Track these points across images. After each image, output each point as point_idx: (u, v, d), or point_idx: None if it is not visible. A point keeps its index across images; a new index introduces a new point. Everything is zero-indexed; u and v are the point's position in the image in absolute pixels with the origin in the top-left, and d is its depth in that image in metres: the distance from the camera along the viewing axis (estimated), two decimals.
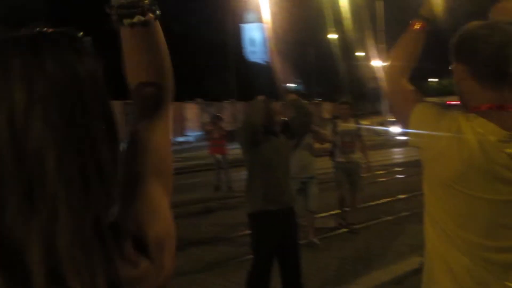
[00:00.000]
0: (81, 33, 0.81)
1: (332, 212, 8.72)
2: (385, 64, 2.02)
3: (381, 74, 2.02)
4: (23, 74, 0.71)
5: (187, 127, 35.79)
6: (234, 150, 22.18)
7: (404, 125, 1.81)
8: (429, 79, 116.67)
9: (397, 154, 22.14)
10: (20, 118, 0.69)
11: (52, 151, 0.70)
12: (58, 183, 0.70)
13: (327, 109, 65.49)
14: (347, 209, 8.05)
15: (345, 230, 7.95)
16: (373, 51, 38.66)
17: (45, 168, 0.70)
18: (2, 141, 0.69)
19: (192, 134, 35.56)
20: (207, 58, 49.08)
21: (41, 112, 0.70)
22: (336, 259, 6.62)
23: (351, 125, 7.96)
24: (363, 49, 56.81)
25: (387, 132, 30.12)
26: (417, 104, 1.78)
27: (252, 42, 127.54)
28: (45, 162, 0.70)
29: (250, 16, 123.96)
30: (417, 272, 5.53)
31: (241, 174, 15.37)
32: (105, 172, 0.75)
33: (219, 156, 12.92)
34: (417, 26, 1.91)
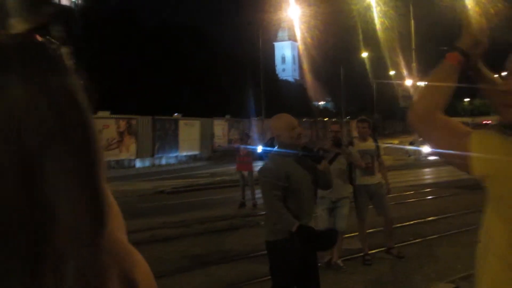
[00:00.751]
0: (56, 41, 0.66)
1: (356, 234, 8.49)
2: (415, 98, 1.89)
3: (410, 103, 1.92)
4: None
5: (215, 143, 35.89)
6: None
7: (456, 157, 1.71)
8: (464, 99, 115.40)
9: (427, 175, 21.67)
10: None
11: None
12: None
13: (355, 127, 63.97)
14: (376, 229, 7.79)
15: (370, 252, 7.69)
16: (404, 70, 38.25)
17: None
18: None
19: (220, 150, 35.65)
20: (237, 75, 49.35)
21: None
22: (359, 283, 6.40)
23: (369, 144, 7.51)
24: (394, 68, 56.38)
25: (417, 152, 29.58)
26: (472, 133, 1.70)
27: (283, 59, 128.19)
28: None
29: (282, 34, 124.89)
30: None
31: None
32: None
33: (245, 172, 12.88)
34: (453, 60, 1.76)
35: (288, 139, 4.05)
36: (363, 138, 7.55)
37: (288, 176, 3.88)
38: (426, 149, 26.90)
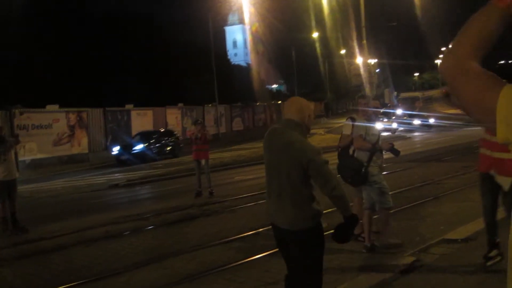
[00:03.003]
0: None
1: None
2: (451, 44, 1.55)
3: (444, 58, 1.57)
4: None
5: None
6: (215, 154, 21.85)
7: (487, 115, 1.40)
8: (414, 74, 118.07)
9: None
10: None
11: None
12: None
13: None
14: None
15: None
16: (355, 48, 38.56)
17: None
18: None
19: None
20: (188, 62, 48.72)
21: None
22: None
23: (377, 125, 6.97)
24: (345, 46, 56.89)
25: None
26: (504, 88, 1.38)
27: (234, 44, 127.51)
28: None
29: (233, 18, 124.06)
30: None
31: (221, 179, 15.18)
32: None
33: (202, 161, 12.68)
34: (501, 2, 1.44)
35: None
36: (368, 118, 6.88)
37: None
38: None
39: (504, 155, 5.04)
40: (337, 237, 3.74)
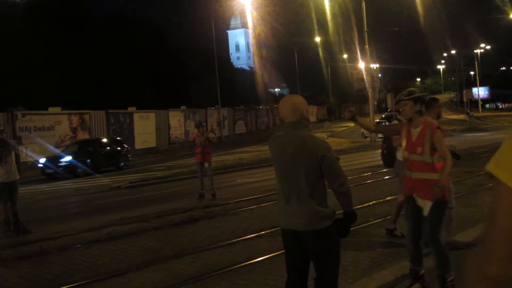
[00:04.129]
0: None
1: None
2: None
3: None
4: None
5: (172, 135, 35.45)
6: (218, 156, 21.87)
7: None
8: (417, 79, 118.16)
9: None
10: None
11: None
12: None
13: (312, 112, 65.35)
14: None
15: None
16: (357, 52, 38.60)
17: None
18: None
19: (177, 142, 35.26)
20: (192, 65, 48.82)
21: None
22: None
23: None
24: (348, 51, 56.91)
25: (373, 134, 30.03)
26: None
27: (237, 47, 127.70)
28: None
29: (235, 22, 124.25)
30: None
31: (223, 181, 15.19)
32: None
33: (206, 163, 12.70)
34: None
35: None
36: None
37: None
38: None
39: (424, 175, 4.71)
40: (337, 231, 3.79)
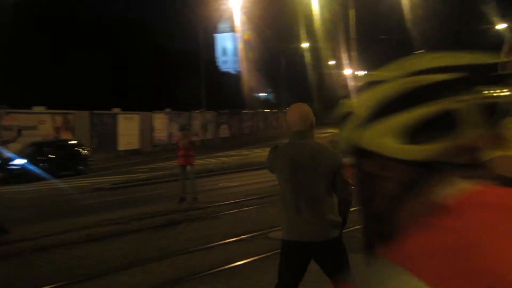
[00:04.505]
0: None
1: None
2: None
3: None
4: None
5: (155, 137, 35.31)
6: (201, 160, 21.85)
7: None
8: None
9: None
10: None
11: None
12: None
13: None
14: None
15: None
16: (344, 59, 38.82)
17: None
18: None
19: (161, 144, 35.13)
20: (177, 67, 48.74)
21: None
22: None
23: None
24: (334, 57, 57.23)
25: None
26: None
27: (224, 51, 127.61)
28: None
29: (223, 25, 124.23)
30: None
31: (205, 185, 15.17)
32: None
33: (188, 166, 12.67)
34: None
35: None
36: None
37: None
38: None
39: None
40: None
